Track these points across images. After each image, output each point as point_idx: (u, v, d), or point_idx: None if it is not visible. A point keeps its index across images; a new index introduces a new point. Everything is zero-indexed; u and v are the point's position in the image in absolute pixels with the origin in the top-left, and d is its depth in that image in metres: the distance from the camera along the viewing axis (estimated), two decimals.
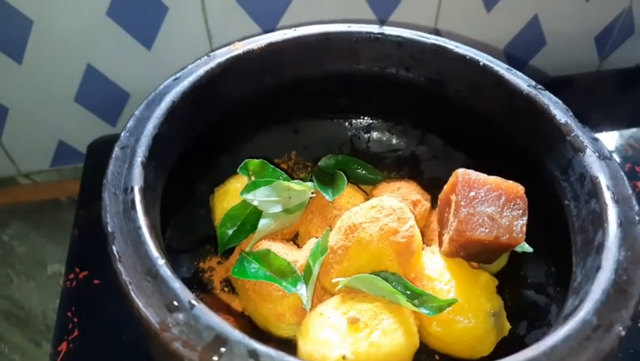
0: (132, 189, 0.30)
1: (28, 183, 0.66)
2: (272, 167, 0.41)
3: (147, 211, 0.30)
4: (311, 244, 0.39)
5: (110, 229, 0.29)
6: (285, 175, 0.41)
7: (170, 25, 0.56)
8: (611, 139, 0.63)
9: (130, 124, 0.34)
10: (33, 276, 0.66)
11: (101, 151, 0.58)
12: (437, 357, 0.38)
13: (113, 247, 0.28)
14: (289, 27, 0.43)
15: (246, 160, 0.40)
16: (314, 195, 0.42)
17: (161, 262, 0.27)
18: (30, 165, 0.65)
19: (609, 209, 0.32)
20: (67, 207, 0.66)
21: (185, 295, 0.26)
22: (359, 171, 0.47)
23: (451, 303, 0.34)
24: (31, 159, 0.64)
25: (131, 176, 0.31)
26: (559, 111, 0.38)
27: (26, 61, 0.55)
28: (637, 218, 0.32)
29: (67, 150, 0.64)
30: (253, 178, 0.40)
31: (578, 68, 0.72)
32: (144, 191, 0.31)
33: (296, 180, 0.41)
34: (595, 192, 0.33)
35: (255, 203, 0.39)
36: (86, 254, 0.49)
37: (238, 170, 0.40)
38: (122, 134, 0.34)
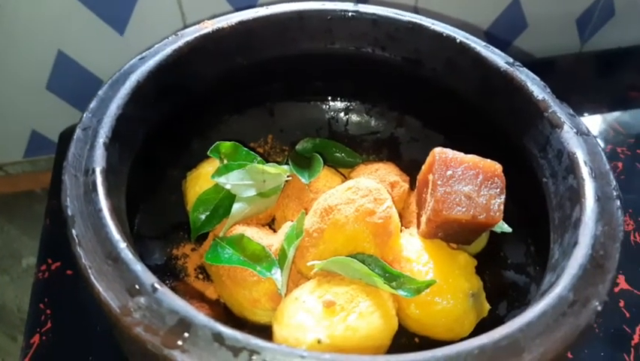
0: (93, 171, 0.29)
1: (1, 175, 0.64)
2: (245, 149, 0.40)
3: (109, 194, 0.29)
4: (286, 227, 0.38)
5: (69, 213, 0.28)
6: (260, 158, 0.40)
7: (144, 9, 0.54)
8: (593, 122, 0.63)
9: (92, 105, 0.33)
10: (7, 270, 0.64)
11: None
12: (417, 340, 0.37)
13: (73, 231, 0.27)
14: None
15: (217, 142, 0.39)
16: (290, 178, 0.41)
17: (122, 245, 0.26)
18: (3, 156, 0.63)
19: (586, 184, 0.31)
20: (41, 199, 0.64)
21: (148, 278, 0.25)
22: (337, 154, 0.46)
23: (429, 284, 0.34)
24: (4, 151, 0.62)
25: (92, 157, 0.30)
26: (536, 88, 0.37)
27: None
28: (614, 193, 0.31)
29: (40, 140, 0.62)
30: (225, 161, 0.39)
31: (561, 50, 0.71)
32: (106, 173, 0.30)
33: (271, 163, 0.40)
34: (572, 167, 0.33)
35: (228, 187, 0.38)
36: (59, 245, 0.48)
37: (209, 152, 0.39)
38: (84, 115, 0.32)
